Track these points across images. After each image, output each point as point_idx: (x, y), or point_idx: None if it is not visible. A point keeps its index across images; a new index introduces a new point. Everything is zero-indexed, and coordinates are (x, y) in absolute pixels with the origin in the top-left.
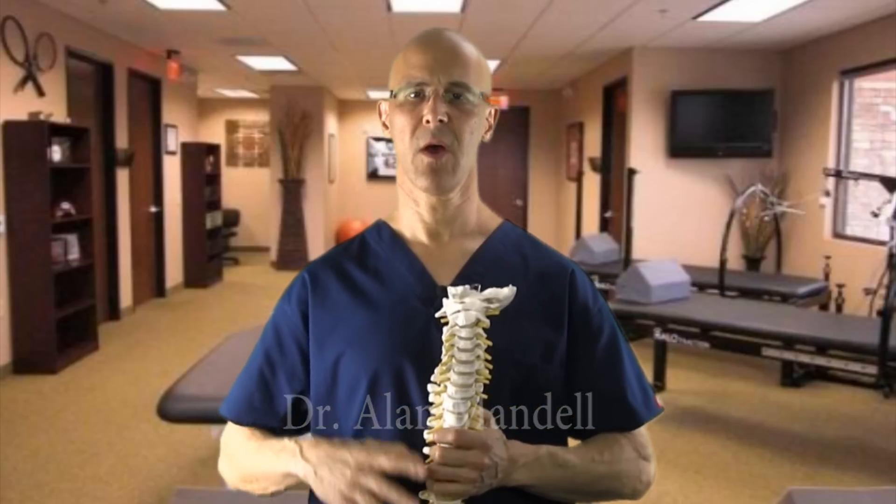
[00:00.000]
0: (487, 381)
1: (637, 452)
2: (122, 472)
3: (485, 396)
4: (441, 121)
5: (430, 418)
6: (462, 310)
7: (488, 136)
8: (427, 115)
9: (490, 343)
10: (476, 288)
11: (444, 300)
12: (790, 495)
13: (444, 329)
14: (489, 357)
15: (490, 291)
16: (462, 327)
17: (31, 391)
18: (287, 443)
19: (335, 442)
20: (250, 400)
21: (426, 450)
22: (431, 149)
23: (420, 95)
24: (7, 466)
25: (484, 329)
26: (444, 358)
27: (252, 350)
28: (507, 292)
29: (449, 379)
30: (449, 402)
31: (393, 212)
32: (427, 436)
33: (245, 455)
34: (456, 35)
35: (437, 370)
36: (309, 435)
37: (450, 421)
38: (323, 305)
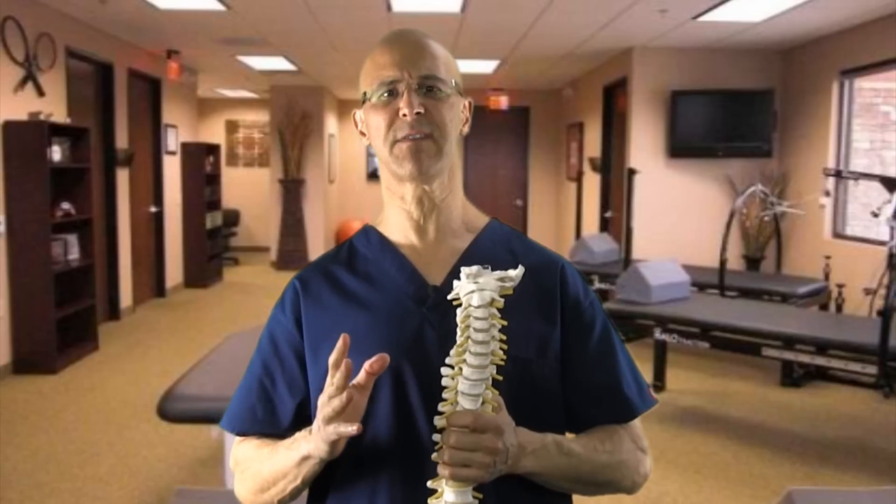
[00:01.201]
0: (502, 363)
1: (634, 444)
2: (122, 472)
3: (499, 378)
4: (418, 113)
5: (441, 404)
6: (477, 290)
7: (466, 129)
8: (403, 109)
9: (504, 323)
10: (487, 268)
11: (456, 281)
12: (790, 495)
13: (458, 310)
14: (503, 337)
15: (501, 272)
16: (477, 307)
17: (31, 391)
18: (297, 434)
19: None
20: (253, 412)
21: (436, 436)
22: (410, 137)
23: (393, 93)
24: (7, 466)
25: (498, 309)
26: (460, 339)
27: (252, 352)
28: (518, 272)
29: (464, 361)
30: (464, 385)
31: (379, 216)
32: (438, 421)
33: (260, 461)
34: (420, 32)
35: (452, 352)
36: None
37: (464, 404)
38: (315, 311)
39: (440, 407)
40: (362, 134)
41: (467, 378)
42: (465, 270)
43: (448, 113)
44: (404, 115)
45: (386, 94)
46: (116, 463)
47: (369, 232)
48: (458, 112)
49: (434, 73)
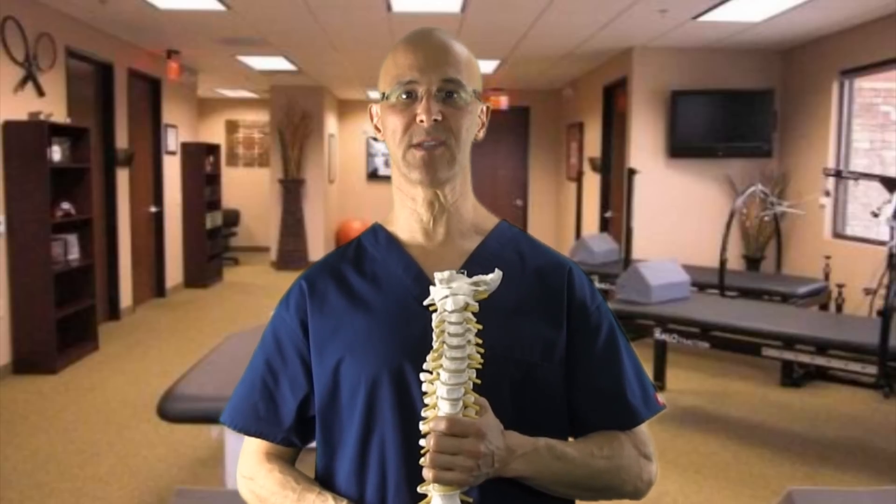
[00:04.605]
0: (480, 367)
1: (637, 450)
2: (122, 472)
3: (478, 382)
4: (435, 119)
5: (424, 409)
6: (450, 294)
7: (482, 135)
8: (421, 115)
9: (480, 327)
10: (463, 273)
11: (431, 287)
12: (790, 495)
13: (434, 315)
14: (480, 341)
15: (478, 276)
16: (451, 312)
17: (31, 391)
18: (330, 501)
19: None
20: (255, 409)
21: (422, 441)
22: (425, 144)
23: (412, 95)
24: (7, 466)
25: (473, 313)
26: (435, 344)
27: (252, 351)
28: (493, 276)
29: (441, 366)
30: (442, 389)
31: (388, 214)
32: (422, 426)
33: (283, 502)
34: (444, 33)
35: (428, 357)
36: (314, 444)
37: (444, 408)
38: (321, 312)
39: (423, 412)
40: (377, 129)
41: (445, 383)
42: (438, 275)
43: (465, 121)
44: (421, 120)
45: (404, 96)
46: (116, 463)
47: (378, 230)
48: (475, 118)
49: (456, 77)
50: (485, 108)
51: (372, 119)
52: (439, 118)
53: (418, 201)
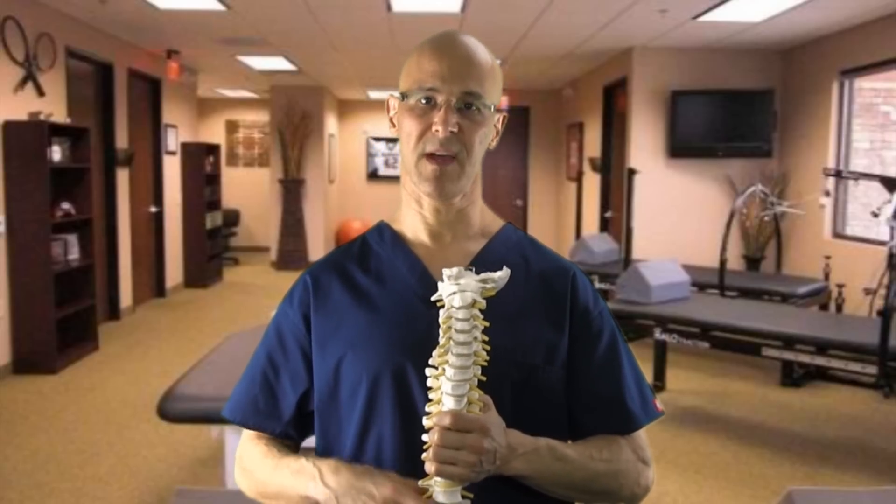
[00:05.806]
0: (485, 364)
1: (636, 455)
2: (122, 472)
3: (483, 378)
4: (451, 131)
5: (428, 404)
6: (458, 291)
7: (494, 144)
8: (437, 126)
9: (487, 324)
10: (471, 270)
11: (439, 283)
12: (790, 495)
13: (441, 311)
14: (486, 338)
15: (485, 273)
16: (458, 308)
17: (31, 391)
18: (305, 463)
19: (357, 469)
20: (255, 402)
21: (425, 437)
22: (437, 156)
23: (431, 102)
24: (7, 466)
25: (480, 310)
26: (442, 340)
27: (253, 351)
28: (502, 273)
29: (447, 361)
30: (447, 385)
31: (395, 212)
32: (426, 421)
33: (262, 472)
34: (471, 41)
35: (434, 353)
36: (312, 440)
37: (448, 404)
38: (325, 308)
39: (427, 407)
40: (392, 123)
41: (450, 379)
42: (446, 272)
43: (480, 134)
44: (437, 130)
45: (424, 101)
46: (116, 463)
47: (383, 229)
48: (491, 129)
49: (477, 90)
50: (501, 118)
51: (388, 111)
52: (455, 130)
53: (424, 206)
